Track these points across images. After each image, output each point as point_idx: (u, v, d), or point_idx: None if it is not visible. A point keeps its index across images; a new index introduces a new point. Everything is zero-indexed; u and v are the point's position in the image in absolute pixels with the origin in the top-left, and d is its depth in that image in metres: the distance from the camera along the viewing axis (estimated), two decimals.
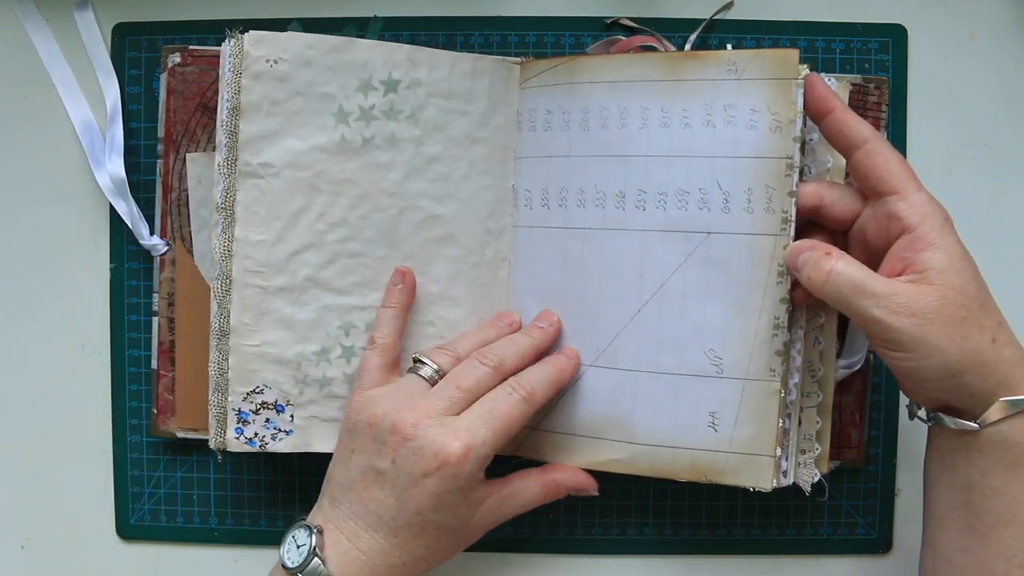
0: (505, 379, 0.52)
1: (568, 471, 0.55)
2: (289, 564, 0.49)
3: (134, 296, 0.60)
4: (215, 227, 0.53)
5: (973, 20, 0.60)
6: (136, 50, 0.60)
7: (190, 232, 0.58)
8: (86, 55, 0.60)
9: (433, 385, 0.52)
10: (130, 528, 0.61)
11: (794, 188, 0.50)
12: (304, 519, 0.52)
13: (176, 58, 0.58)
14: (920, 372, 0.47)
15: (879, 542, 0.61)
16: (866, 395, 0.59)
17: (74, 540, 0.62)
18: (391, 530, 0.50)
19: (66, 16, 0.60)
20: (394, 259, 0.55)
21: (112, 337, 0.61)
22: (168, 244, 0.59)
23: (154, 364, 0.59)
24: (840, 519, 0.61)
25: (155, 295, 0.59)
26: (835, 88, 0.54)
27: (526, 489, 0.54)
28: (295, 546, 0.50)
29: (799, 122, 0.50)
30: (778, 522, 0.61)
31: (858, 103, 0.58)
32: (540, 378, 0.53)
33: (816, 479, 0.54)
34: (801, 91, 0.50)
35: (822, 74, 0.54)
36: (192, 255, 0.58)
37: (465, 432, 0.49)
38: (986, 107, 0.60)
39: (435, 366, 0.53)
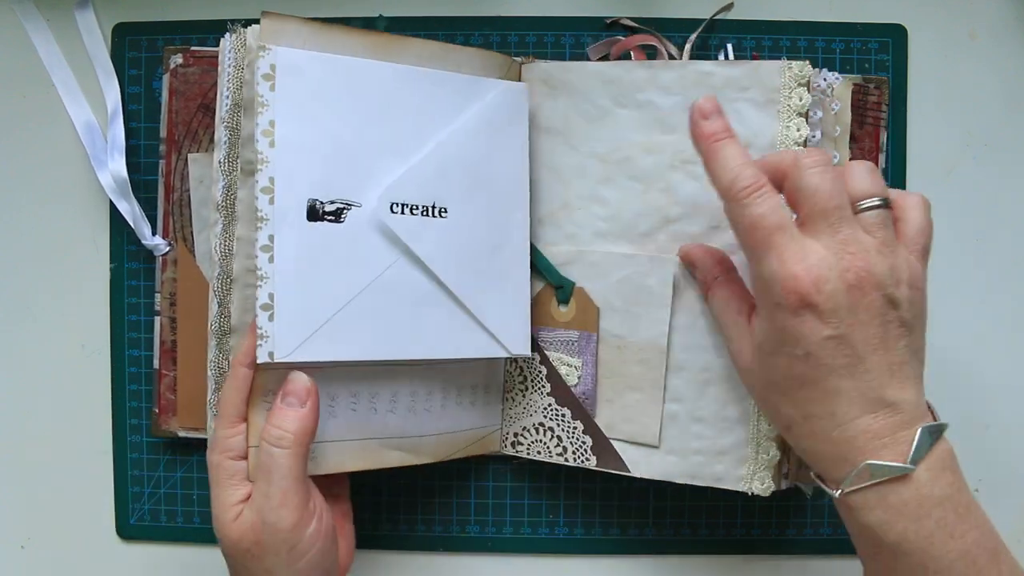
0: None
1: None
2: None
3: (134, 296, 0.60)
4: (215, 226, 0.52)
5: (973, 20, 0.60)
6: (136, 50, 0.60)
7: (192, 232, 0.58)
8: (86, 55, 0.60)
9: None
10: (130, 528, 0.61)
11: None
12: None
13: (178, 59, 0.57)
14: None
15: None
16: None
17: (74, 540, 0.62)
18: None
19: (66, 16, 0.60)
20: None
21: (112, 337, 0.61)
22: (170, 244, 0.59)
23: (156, 364, 0.59)
24: (840, 519, 0.60)
25: (157, 295, 0.59)
26: (838, 86, 0.54)
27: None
28: None
29: None
30: (778, 522, 0.61)
31: (858, 103, 0.58)
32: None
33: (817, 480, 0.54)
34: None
35: (822, 71, 0.54)
36: (194, 255, 0.58)
37: None
38: (986, 107, 0.60)
39: None
